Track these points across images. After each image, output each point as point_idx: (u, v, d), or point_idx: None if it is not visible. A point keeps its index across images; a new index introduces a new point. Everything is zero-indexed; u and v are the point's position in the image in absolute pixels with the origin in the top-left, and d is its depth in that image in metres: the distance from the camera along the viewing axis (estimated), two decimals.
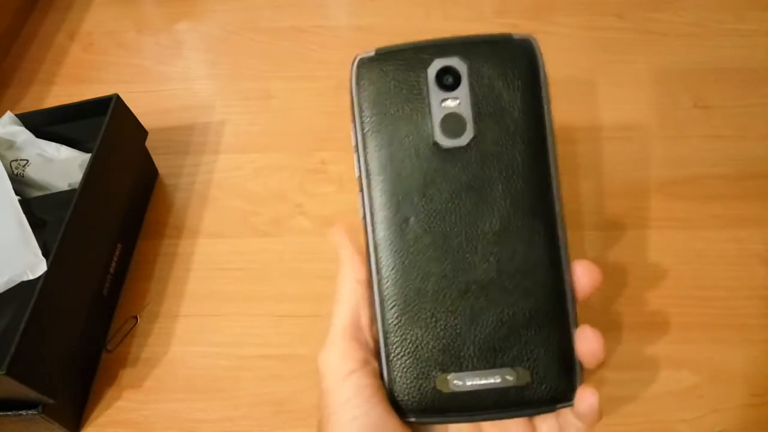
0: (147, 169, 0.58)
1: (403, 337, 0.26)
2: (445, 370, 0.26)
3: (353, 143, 0.27)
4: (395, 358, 0.27)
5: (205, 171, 0.58)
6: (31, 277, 0.44)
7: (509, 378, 0.26)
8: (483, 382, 0.26)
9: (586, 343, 0.26)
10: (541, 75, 0.27)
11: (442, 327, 0.26)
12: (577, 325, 0.26)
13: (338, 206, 0.55)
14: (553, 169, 0.26)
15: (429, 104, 0.26)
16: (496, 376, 0.26)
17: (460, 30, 0.71)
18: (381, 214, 0.27)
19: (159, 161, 0.59)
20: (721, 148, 0.54)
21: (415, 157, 0.27)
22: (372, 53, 0.27)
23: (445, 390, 0.26)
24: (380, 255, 0.27)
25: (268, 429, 0.44)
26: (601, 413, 0.25)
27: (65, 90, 0.67)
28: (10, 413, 0.40)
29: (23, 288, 0.44)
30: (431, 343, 0.26)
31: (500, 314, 0.26)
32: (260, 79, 0.65)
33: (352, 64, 0.27)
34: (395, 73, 0.27)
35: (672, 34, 0.63)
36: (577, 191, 0.53)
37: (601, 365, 0.26)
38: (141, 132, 0.55)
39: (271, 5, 0.72)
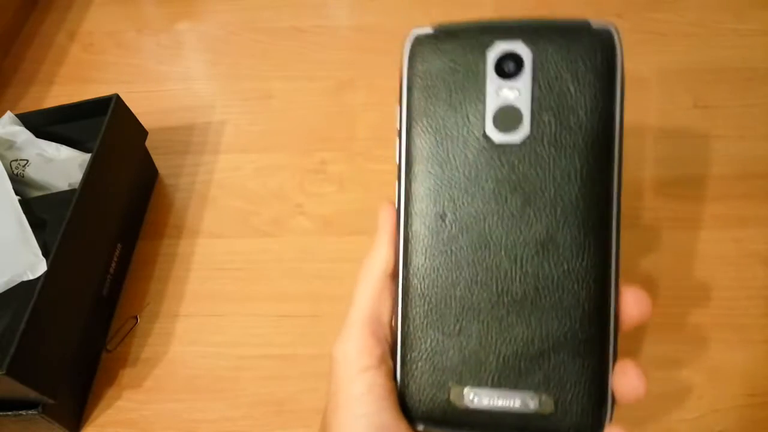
0: (147, 169, 0.58)
1: (422, 340, 0.25)
2: (462, 383, 0.24)
3: (397, 126, 0.25)
4: (411, 361, 0.25)
5: (205, 171, 0.58)
6: (31, 277, 0.44)
7: (530, 403, 0.24)
8: (500, 402, 0.24)
9: (627, 379, 0.23)
10: (618, 73, 0.23)
11: (466, 336, 0.24)
12: (616, 357, 0.24)
13: (338, 206, 0.55)
14: (615, 182, 0.23)
15: (484, 92, 0.24)
16: (516, 399, 0.24)
17: None
18: (417, 207, 0.25)
19: (159, 161, 0.59)
20: (721, 148, 0.54)
21: (462, 149, 0.24)
22: (430, 30, 0.25)
23: (458, 403, 0.24)
24: (410, 250, 0.25)
25: (268, 429, 0.44)
26: None
27: (65, 90, 0.67)
28: (10, 413, 0.40)
29: (23, 288, 0.44)
30: (451, 351, 0.24)
31: (531, 332, 0.24)
32: (260, 79, 0.65)
33: (407, 39, 0.25)
34: (452, 54, 0.24)
35: (672, 34, 0.63)
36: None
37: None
38: (141, 132, 0.55)
39: (271, 5, 0.72)
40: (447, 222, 0.24)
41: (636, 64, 0.61)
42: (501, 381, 0.24)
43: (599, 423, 0.24)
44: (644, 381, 0.23)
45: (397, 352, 0.25)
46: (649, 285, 0.47)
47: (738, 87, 0.58)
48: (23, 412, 0.40)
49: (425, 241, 0.25)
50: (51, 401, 0.40)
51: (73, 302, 0.44)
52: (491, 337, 0.24)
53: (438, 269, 0.25)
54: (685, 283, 0.47)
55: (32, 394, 0.39)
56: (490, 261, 0.24)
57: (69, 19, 0.74)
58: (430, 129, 0.24)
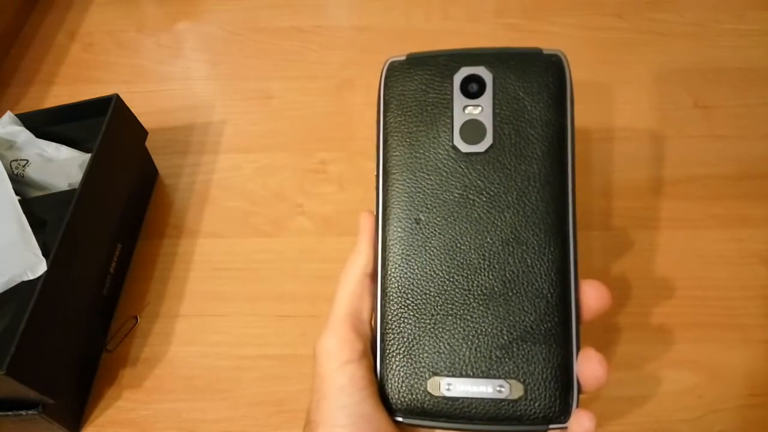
0: (147, 169, 0.58)
1: (400, 334, 0.26)
2: (438, 374, 0.26)
3: (376, 142, 0.28)
4: (389, 355, 0.27)
5: (205, 171, 0.58)
6: (31, 277, 0.44)
7: (502, 390, 0.25)
8: (474, 390, 0.25)
9: (590, 365, 0.25)
10: (568, 91, 0.27)
11: (440, 330, 0.26)
12: (579, 346, 0.26)
13: (338, 206, 0.55)
14: (570, 186, 0.26)
15: (452, 109, 0.27)
16: (489, 386, 0.25)
17: (459, 29, 0.71)
18: (393, 212, 0.27)
19: (159, 161, 0.59)
20: (721, 148, 0.54)
21: (433, 159, 0.27)
22: (403, 57, 0.28)
23: (435, 393, 0.26)
24: (388, 251, 0.27)
25: (268, 429, 0.44)
26: None
27: (65, 90, 0.67)
28: (10, 413, 0.40)
29: (23, 288, 0.44)
30: (427, 344, 0.26)
31: (500, 323, 0.26)
32: (260, 79, 0.65)
33: (384, 66, 0.28)
34: (423, 77, 0.27)
35: (672, 34, 0.63)
36: (576, 191, 0.53)
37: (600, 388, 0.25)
38: (141, 132, 0.55)
39: (271, 5, 0.72)
40: (421, 225, 0.27)
41: (636, 64, 0.61)
42: (474, 370, 0.26)
43: (567, 408, 0.25)
44: (606, 368, 0.25)
45: (376, 346, 0.27)
46: (648, 285, 0.47)
47: (738, 87, 0.58)
48: (23, 412, 0.40)
49: (402, 243, 0.27)
50: (51, 401, 0.40)
51: (73, 302, 0.44)
52: (464, 330, 0.26)
53: (414, 268, 0.27)
54: (685, 282, 0.47)
55: (32, 394, 0.39)
56: (461, 259, 0.26)
57: (69, 19, 0.74)
58: (404, 142, 0.27)
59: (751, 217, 0.50)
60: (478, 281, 0.26)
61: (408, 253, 0.27)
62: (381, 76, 0.28)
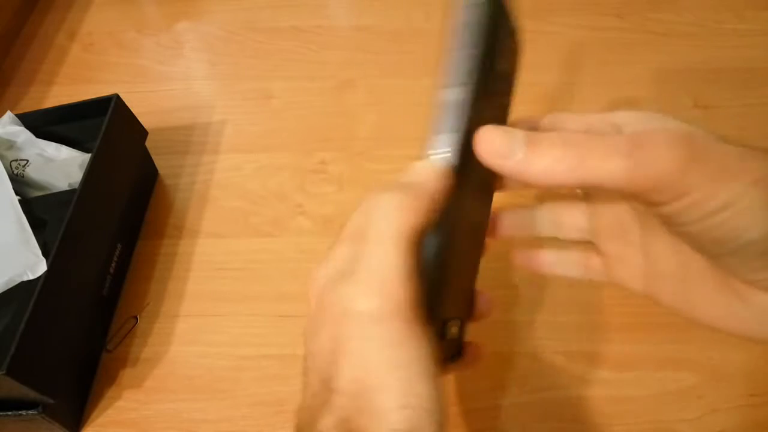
0: (147, 169, 0.58)
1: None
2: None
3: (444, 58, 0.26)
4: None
5: (205, 171, 0.58)
6: (31, 277, 0.44)
7: None
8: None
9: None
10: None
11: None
12: None
13: (338, 206, 0.55)
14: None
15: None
16: None
17: None
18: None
19: (159, 161, 0.59)
20: None
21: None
22: None
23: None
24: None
25: (268, 429, 0.44)
26: None
27: (65, 90, 0.67)
28: (10, 413, 0.40)
29: (23, 288, 0.44)
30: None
31: None
32: (260, 79, 0.65)
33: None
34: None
35: (672, 34, 0.63)
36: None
37: None
38: (141, 132, 0.55)
39: (271, 5, 0.72)
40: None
41: (636, 64, 0.61)
42: None
43: None
44: None
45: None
46: None
47: (738, 87, 0.58)
48: (23, 412, 0.40)
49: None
50: (51, 401, 0.40)
51: (73, 302, 0.44)
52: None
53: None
54: None
55: (32, 394, 0.39)
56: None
57: (69, 19, 0.74)
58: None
59: None
60: None
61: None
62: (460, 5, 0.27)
